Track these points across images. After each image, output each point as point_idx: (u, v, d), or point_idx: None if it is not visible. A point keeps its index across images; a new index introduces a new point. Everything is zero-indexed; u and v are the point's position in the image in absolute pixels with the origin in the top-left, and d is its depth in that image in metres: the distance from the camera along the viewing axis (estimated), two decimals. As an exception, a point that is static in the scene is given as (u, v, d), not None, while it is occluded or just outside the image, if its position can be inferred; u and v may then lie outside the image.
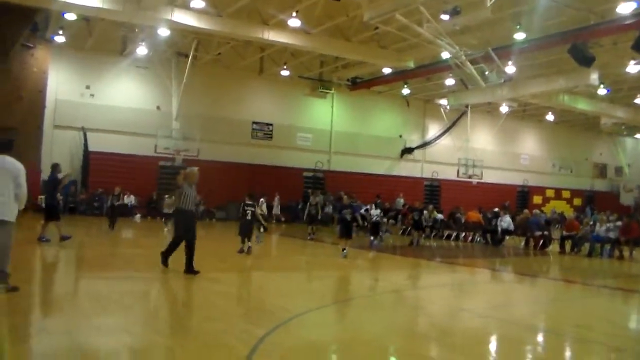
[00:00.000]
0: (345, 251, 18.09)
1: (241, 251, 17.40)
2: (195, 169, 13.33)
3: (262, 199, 22.92)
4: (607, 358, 8.15)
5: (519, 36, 25.05)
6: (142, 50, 30.78)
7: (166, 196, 25.79)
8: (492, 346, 8.64)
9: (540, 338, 9.34)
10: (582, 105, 35.83)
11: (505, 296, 14.08)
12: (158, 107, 34.42)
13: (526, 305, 12.68)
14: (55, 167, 18.65)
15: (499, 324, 10.16)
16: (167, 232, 22.65)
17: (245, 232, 17.52)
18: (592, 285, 16.10)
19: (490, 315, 11.03)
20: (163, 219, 25.45)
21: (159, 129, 33.44)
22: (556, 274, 20.05)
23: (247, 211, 17.53)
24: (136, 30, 29.88)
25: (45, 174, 30.85)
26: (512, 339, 9.04)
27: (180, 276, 12.72)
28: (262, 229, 20.93)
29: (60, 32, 29.22)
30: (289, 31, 27.14)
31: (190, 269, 12.67)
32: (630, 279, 18.89)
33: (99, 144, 32.19)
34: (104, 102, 32.99)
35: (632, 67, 27.98)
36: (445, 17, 22.75)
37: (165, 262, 13.18)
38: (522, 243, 26.82)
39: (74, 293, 11.28)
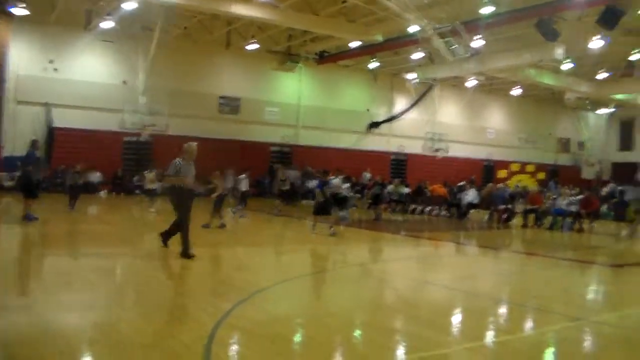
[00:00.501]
0: (332, 229, 17.85)
1: (206, 226, 17.43)
2: (194, 144, 13.12)
3: (243, 175, 23.11)
4: (564, 327, 8.35)
5: (487, 10, 25.16)
6: (107, 24, 30.25)
7: (146, 171, 25.06)
8: (455, 318, 8.80)
9: (501, 309, 9.54)
10: (548, 79, 36.15)
11: (468, 269, 14.29)
12: (124, 82, 34.03)
13: (488, 277, 12.92)
14: (34, 144, 18.45)
15: (462, 296, 10.39)
16: (154, 212, 22.64)
17: (216, 207, 17.80)
18: (552, 257, 16.37)
19: (453, 287, 11.22)
20: (147, 197, 24.95)
21: (125, 104, 33.11)
22: (518, 246, 20.38)
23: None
24: (101, 3, 29.47)
25: (7, 150, 30.69)
26: (473, 310, 9.26)
27: (149, 253, 12.74)
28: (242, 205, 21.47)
29: (22, 4, 28.56)
30: (256, 4, 27.03)
31: (184, 251, 12.22)
32: (589, 251, 19.28)
33: (63, 119, 31.74)
34: (68, 76, 32.44)
35: (595, 42, 28.21)
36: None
37: (165, 242, 13.00)
38: (486, 216, 27.15)
39: (40, 270, 11.23)
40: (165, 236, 12.91)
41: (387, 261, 15.11)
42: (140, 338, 6.84)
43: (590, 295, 11.37)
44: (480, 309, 9.34)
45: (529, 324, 8.61)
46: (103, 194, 31.83)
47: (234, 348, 6.72)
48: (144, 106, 33.46)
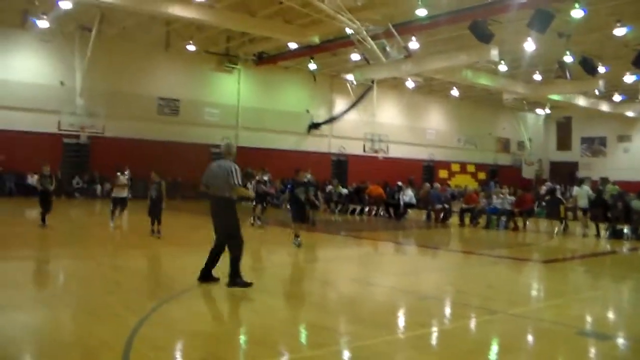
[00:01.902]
0: (298, 239, 15.84)
1: (153, 232, 16.75)
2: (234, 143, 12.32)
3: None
4: (482, 320, 8.61)
5: (421, 12, 25.47)
6: (43, 23, 29.84)
7: (118, 173, 19.59)
8: (380, 312, 8.98)
9: (425, 304, 9.74)
10: (485, 80, 36.80)
11: (401, 267, 14.56)
12: (62, 83, 33.45)
13: (421, 275, 13.17)
14: None
15: (391, 292, 10.62)
16: (112, 227, 18.77)
17: (155, 213, 16.82)
18: (486, 255, 16.73)
19: (385, 284, 11.46)
20: (115, 207, 19.07)
21: (62, 105, 32.65)
22: (454, 245, 20.78)
23: (152, 191, 16.99)
24: (37, 2, 29.03)
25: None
26: (399, 305, 9.51)
27: (83, 254, 12.70)
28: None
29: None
30: (193, 5, 26.95)
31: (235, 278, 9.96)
32: (521, 248, 19.71)
33: (-1, 120, 31.25)
34: (3, 76, 31.82)
35: (529, 44, 28.82)
36: (347, -8, 23.06)
37: (207, 277, 10.12)
38: (424, 216, 27.53)
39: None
40: (208, 271, 10.09)
41: (324, 261, 15.24)
42: (61, 336, 6.90)
43: (516, 290, 11.67)
44: (406, 304, 9.65)
45: (447, 318, 8.87)
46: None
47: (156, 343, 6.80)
48: (81, 107, 33.08)
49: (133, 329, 7.02)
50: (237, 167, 9.97)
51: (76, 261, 12.51)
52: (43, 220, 18.06)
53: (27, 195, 30.12)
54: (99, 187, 33.79)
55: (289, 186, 18.51)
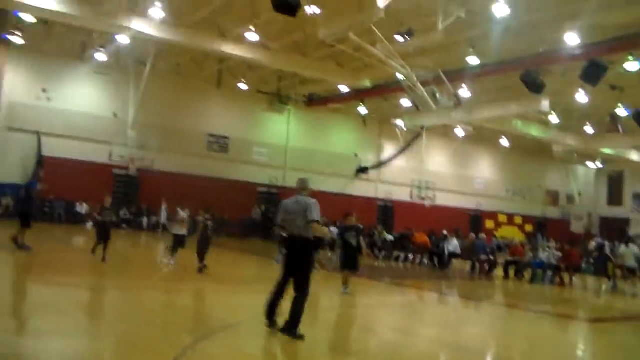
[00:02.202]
0: (347, 288, 15.01)
1: (200, 270, 16.29)
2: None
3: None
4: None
5: (473, 60, 25.47)
6: (101, 56, 30.72)
7: (178, 208, 18.62)
8: None
9: (465, 357, 9.58)
10: (535, 131, 36.43)
11: (443, 318, 14.35)
12: (115, 115, 34.18)
13: (463, 327, 12.94)
14: (35, 173, 18.76)
15: (430, 344, 10.45)
16: (170, 266, 17.62)
17: (203, 250, 16.48)
18: (528, 309, 16.44)
19: (424, 335, 11.32)
20: (173, 245, 17.99)
21: (114, 136, 33.32)
22: (497, 298, 20.39)
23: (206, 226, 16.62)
24: (95, 36, 29.85)
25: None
26: (435, 357, 9.34)
27: (124, 284, 12.78)
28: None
29: (18, 33, 28.97)
30: (247, 45, 27.34)
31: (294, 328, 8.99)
32: (566, 305, 19.25)
33: (53, 148, 31.88)
34: (60, 106, 32.64)
35: (581, 96, 28.57)
36: (399, 38, 23.15)
37: (272, 319, 9.26)
38: (468, 267, 27.15)
39: (17, 298, 11.31)
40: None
41: (366, 307, 15.07)
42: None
43: (559, 349, 11.37)
44: (445, 356, 9.49)
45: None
46: (89, 225, 31.75)
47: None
48: (132, 140, 33.67)
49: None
50: (316, 202, 9.23)
51: (120, 291, 12.64)
52: (94, 251, 17.07)
53: (76, 222, 30.88)
54: (145, 220, 34.18)
55: (338, 231, 17.48)
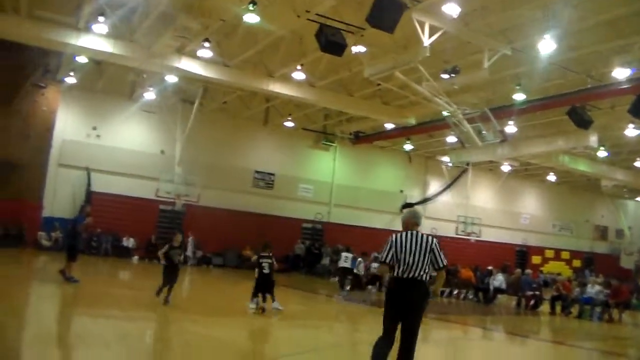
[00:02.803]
0: None
1: (261, 309, 15.62)
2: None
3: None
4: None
5: (519, 96, 25.39)
6: (149, 95, 31.25)
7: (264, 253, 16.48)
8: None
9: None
10: (583, 166, 36.04)
11: (486, 353, 14.23)
12: (162, 152, 34.63)
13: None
14: (82, 208, 19.12)
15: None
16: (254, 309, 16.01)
17: (263, 288, 15.74)
18: (575, 346, 16.22)
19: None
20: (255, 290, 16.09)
21: (161, 172, 33.69)
22: (543, 334, 20.20)
23: (264, 264, 15.72)
24: (145, 75, 30.47)
25: (46, 211, 31.44)
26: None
27: (171, 318, 12.91)
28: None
29: (71, 73, 29.77)
30: (293, 83, 27.61)
31: None
32: (615, 342, 18.97)
33: (101, 184, 32.47)
34: (109, 143, 33.19)
35: (630, 131, 28.31)
36: (444, 76, 23.26)
37: None
38: (514, 302, 26.88)
39: (64, 330, 11.52)
40: None
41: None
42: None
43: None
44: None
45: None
46: (135, 259, 32.21)
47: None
48: (179, 176, 34.03)
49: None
50: (438, 241, 8.23)
51: (164, 325, 12.76)
52: (158, 293, 15.43)
53: (121, 256, 31.34)
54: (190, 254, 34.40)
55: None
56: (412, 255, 7.89)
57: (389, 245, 8.08)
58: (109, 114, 33.44)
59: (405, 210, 9.02)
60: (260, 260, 15.84)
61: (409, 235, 8.10)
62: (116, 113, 33.47)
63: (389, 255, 8.03)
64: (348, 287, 25.78)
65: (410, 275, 7.81)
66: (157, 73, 28.57)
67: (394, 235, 8.14)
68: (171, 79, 28.47)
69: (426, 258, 7.90)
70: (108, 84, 31.92)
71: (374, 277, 25.76)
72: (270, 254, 16.06)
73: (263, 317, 15.04)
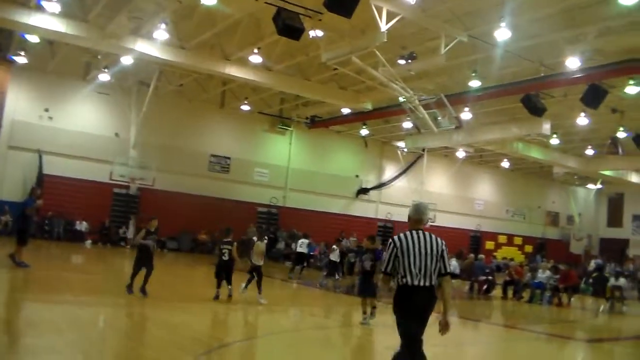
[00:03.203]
0: (368, 316, 13.94)
1: (217, 297, 15.25)
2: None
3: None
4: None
5: (474, 84, 25.61)
6: (104, 76, 30.74)
7: (254, 238, 18.04)
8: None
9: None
10: (536, 153, 36.49)
11: (438, 338, 14.33)
12: (116, 134, 34.21)
13: (458, 347, 12.97)
14: (32, 191, 18.76)
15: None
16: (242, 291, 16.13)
17: (223, 275, 15.40)
18: (526, 330, 16.48)
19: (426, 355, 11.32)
20: (251, 274, 16.21)
21: (116, 156, 33.27)
22: (495, 318, 20.51)
23: (224, 250, 15.46)
24: (99, 56, 29.98)
25: (-3, 194, 30.89)
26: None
27: (125, 303, 12.79)
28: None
29: (22, 53, 29.10)
30: (250, 67, 27.43)
31: None
32: (564, 325, 19.35)
33: (54, 167, 31.87)
34: (62, 125, 32.59)
35: (582, 119, 28.73)
36: (401, 61, 23.33)
37: None
38: (467, 287, 27.24)
39: (13, 316, 11.34)
40: None
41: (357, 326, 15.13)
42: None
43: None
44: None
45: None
46: (88, 243, 31.85)
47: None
48: (134, 159, 33.64)
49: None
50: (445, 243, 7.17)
51: (117, 310, 12.63)
52: (130, 287, 14.51)
53: (74, 240, 30.94)
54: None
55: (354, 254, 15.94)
56: (422, 259, 6.86)
57: (390, 251, 7.01)
58: (62, 96, 32.88)
59: (412, 203, 7.62)
60: (221, 247, 15.62)
61: (414, 236, 7.02)
62: (69, 94, 32.95)
63: (390, 265, 7.01)
64: (338, 277, 24.74)
65: (423, 283, 6.84)
66: (112, 54, 28.18)
67: (396, 238, 7.07)
68: (126, 60, 28.00)
69: (437, 263, 6.89)
70: (61, 64, 31.24)
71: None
72: (231, 240, 15.80)
73: (217, 302, 14.97)
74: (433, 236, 7.00)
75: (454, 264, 27.45)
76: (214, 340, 10.36)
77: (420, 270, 6.81)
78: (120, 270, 23.15)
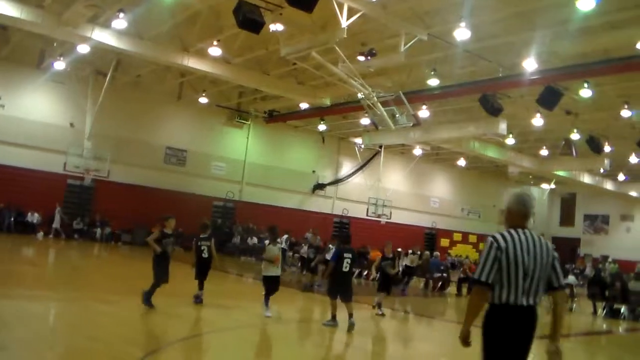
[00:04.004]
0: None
1: (197, 298, 14.32)
2: None
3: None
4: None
5: (433, 82, 25.73)
6: (59, 64, 30.10)
7: (267, 242, 14.81)
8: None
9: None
10: (492, 153, 36.89)
11: (393, 333, 14.42)
12: (71, 124, 33.61)
13: (411, 342, 13.06)
14: None
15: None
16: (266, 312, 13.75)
17: (204, 275, 14.47)
18: (479, 326, 16.59)
19: (376, 352, 11.35)
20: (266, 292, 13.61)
21: (70, 146, 32.54)
22: (449, 315, 20.69)
23: (203, 247, 14.39)
24: (55, 44, 29.43)
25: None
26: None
27: (76, 297, 12.59)
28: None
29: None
30: (209, 59, 27.21)
31: None
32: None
33: (5, 156, 31.25)
34: (14, 114, 31.90)
35: (537, 120, 29.07)
36: (361, 58, 23.34)
37: None
38: (422, 284, 27.43)
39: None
40: None
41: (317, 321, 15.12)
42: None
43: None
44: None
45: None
46: (40, 235, 31.31)
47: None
48: (88, 150, 33.04)
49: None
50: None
51: (68, 304, 12.43)
52: (149, 299, 12.70)
53: (25, 232, 30.38)
54: (99, 231, 33.66)
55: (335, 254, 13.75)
56: (532, 269, 5.05)
57: (492, 254, 5.04)
58: (15, 83, 32.21)
59: (511, 193, 5.35)
60: (200, 244, 14.46)
61: (522, 237, 5.10)
62: (23, 82, 32.26)
63: (492, 273, 5.04)
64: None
65: (531, 302, 5.12)
66: (68, 42, 27.61)
67: (499, 237, 5.09)
68: (83, 49, 27.39)
69: (545, 275, 5.14)
70: (15, 51, 30.63)
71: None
72: (209, 235, 14.77)
73: (172, 297, 14.80)
74: (541, 238, 5.17)
75: (408, 261, 27.45)
76: (168, 335, 10.24)
77: (529, 284, 5.03)
78: (72, 263, 22.87)
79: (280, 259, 13.70)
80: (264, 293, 13.46)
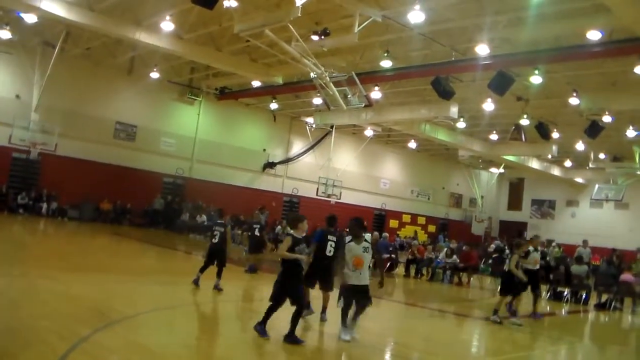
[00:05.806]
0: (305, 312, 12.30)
1: (196, 282, 14.24)
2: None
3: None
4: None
5: (386, 64, 25.78)
6: (5, 34, 29.28)
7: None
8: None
9: (362, 353, 9.74)
10: (442, 136, 37.18)
11: (339, 314, 14.45)
12: (17, 96, 32.82)
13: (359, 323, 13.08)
14: None
15: (328, 339, 10.53)
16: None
17: (218, 263, 14.23)
18: (426, 308, 16.85)
19: (322, 330, 11.38)
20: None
21: (16, 119, 31.70)
22: (396, 296, 20.86)
23: (216, 232, 14.29)
24: (0, 12, 28.65)
25: None
26: (334, 352, 9.44)
27: (20, 273, 12.37)
28: None
29: None
30: (161, 34, 26.77)
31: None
32: (463, 304, 19.95)
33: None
34: (-44, 84, 31.09)
35: (488, 105, 29.35)
36: (314, 37, 23.22)
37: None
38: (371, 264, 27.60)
39: None
40: None
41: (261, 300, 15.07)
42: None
43: (455, 346, 11.72)
44: (347, 353, 9.59)
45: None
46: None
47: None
48: (35, 123, 32.26)
49: (60, 357, 6.85)
50: None
51: (11, 280, 12.19)
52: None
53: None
54: (45, 205, 33.05)
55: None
56: None
57: None
58: (-44, 52, 31.31)
59: None
60: (213, 228, 14.34)
61: None
62: (-35, 51, 31.40)
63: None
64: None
65: None
66: (15, 11, 26.89)
67: None
68: (30, 18, 26.74)
69: None
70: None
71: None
72: (224, 222, 14.42)
73: (119, 273, 14.67)
74: None
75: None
76: (114, 312, 10.11)
77: None
78: (16, 239, 22.44)
79: (364, 262, 11.03)
80: (341, 307, 10.94)
